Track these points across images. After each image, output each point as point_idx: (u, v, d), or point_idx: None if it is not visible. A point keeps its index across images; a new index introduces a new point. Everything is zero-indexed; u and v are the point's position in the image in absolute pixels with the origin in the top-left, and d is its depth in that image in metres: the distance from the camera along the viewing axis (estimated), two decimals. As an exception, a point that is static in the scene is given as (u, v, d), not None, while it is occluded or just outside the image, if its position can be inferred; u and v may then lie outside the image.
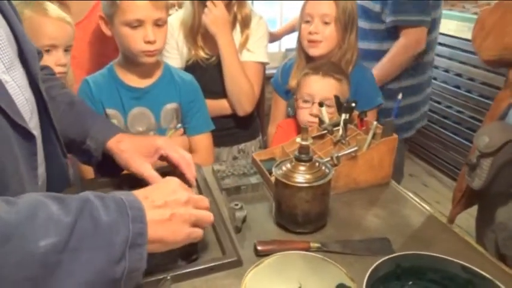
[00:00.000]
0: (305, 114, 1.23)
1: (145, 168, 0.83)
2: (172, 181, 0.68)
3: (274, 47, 2.69)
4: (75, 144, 0.89)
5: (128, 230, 0.55)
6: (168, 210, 0.61)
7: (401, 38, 1.61)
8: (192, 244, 0.68)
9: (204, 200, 0.69)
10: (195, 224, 0.65)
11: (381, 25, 1.65)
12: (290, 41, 2.70)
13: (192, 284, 0.69)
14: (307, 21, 1.34)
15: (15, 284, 0.47)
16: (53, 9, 1.17)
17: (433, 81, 2.79)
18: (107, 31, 1.16)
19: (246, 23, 1.41)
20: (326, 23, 1.31)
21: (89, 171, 1.19)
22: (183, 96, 1.25)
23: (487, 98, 2.44)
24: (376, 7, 1.64)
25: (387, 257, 0.57)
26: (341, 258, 0.73)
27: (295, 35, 2.17)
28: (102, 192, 0.60)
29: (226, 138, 1.54)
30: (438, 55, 2.73)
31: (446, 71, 2.72)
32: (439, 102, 2.81)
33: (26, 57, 0.71)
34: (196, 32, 1.39)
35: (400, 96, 0.96)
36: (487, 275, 0.55)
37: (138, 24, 1.08)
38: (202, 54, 1.41)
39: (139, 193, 0.62)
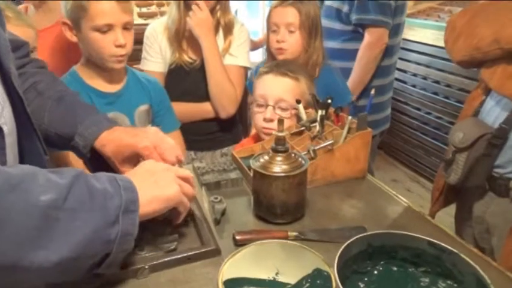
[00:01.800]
0: (259, 120, 1.17)
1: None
2: (149, 161, 0.73)
3: (257, 55, 2.74)
4: (64, 141, 0.86)
5: (120, 196, 0.59)
6: (152, 176, 0.67)
7: (365, 37, 1.73)
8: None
9: (185, 170, 0.74)
10: (181, 180, 0.70)
11: (350, 26, 1.77)
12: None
13: (171, 273, 0.69)
14: (274, 31, 1.41)
15: (22, 230, 0.50)
16: (16, 14, 1.16)
17: (413, 88, 2.88)
18: (71, 37, 1.14)
19: (228, 29, 1.44)
20: (291, 32, 1.38)
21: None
22: (153, 97, 1.27)
23: (464, 104, 2.52)
24: (345, 8, 1.76)
25: (358, 236, 0.58)
26: (318, 245, 0.74)
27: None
28: None
29: (209, 142, 1.55)
30: (416, 63, 2.82)
31: (425, 78, 2.79)
32: (418, 109, 2.88)
33: None
34: (181, 35, 1.41)
35: (373, 91, 0.99)
36: (454, 250, 0.57)
37: (107, 28, 1.08)
38: (186, 58, 1.43)
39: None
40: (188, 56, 1.44)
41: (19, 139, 0.74)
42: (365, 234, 0.61)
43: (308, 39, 1.39)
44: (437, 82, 2.71)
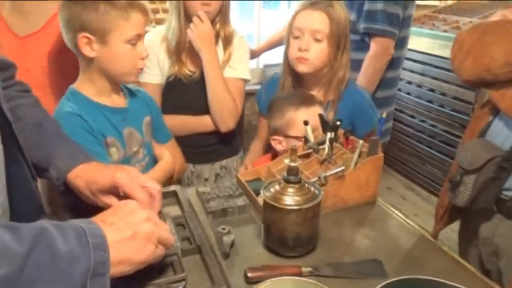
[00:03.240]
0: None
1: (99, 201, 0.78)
2: (130, 203, 0.66)
3: (252, 63, 2.69)
4: (39, 170, 0.82)
5: (89, 259, 0.52)
6: (130, 229, 0.59)
7: (371, 46, 1.72)
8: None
9: (164, 224, 0.68)
10: (158, 242, 0.63)
11: (357, 35, 1.76)
12: (268, 57, 2.72)
13: (181, 317, 0.65)
14: (297, 37, 1.26)
15: None
16: None
17: (407, 96, 2.88)
18: (90, 52, 1.03)
19: (228, 41, 1.41)
20: (317, 40, 1.23)
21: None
22: (152, 108, 1.24)
23: (459, 112, 2.52)
24: (353, 16, 1.76)
25: (384, 284, 0.55)
26: (334, 282, 0.72)
27: (272, 51, 2.21)
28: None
29: (208, 155, 1.52)
30: (411, 71, 2.82)
31: (419, 86, 2.79)
32: (413, 117, 2.88)
33: None
34: (181, 48, 1.37)
35: (384, 115, 0.97)
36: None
37: (136, 40, 1.03)
38: (185, 70, 1.39)
39: (97, 218, 0.60)
40: (187, 69, 1.40)
41: (6, 164, 0.70)
42: (391, 280, 0.58)
43: (335, 52, 1.25)
44: (432, 90, 2.71)
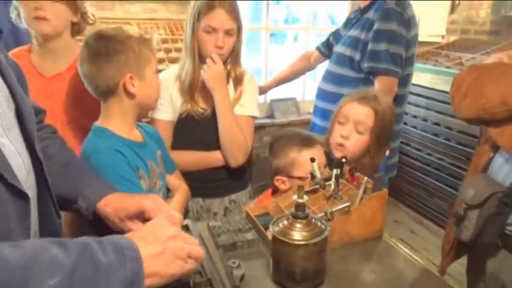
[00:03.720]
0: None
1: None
2: (160, 219, 0.72)
3: (260, 98, 2.77)
4: (67, 203, 0.89)
5: (126, 270, 0.58)
6: (160, 245, 0.64)
7: (376, 84, 1.77)
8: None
9: (193, 238, 0.72)
10: (187, 257, 0.67)
11: (361, 73, 1.82)
12: (275, 92, 2.81)
13: None
14: (341, 123, 1.32)
15: None
16: None
17: (413, 129, 2.93)
18: (132, 89, 1.11)
19: (239, 80, 1.48)
20: (359, 132, 1.28)
21: None
22: (160, 142, 1.30)
23: (465, 146, 2.55)
24: (357, 56, 1.82)
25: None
26: (341, 316, 0.74)
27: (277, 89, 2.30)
28: None
29: (218, 189, 1.55)
30: (416, 105, 2.88)
31: (425, 120, 2.84)
32: (419, 150, 2.91)
33: (24, 118, 0.72)
34: (194, 87, 1.44)
35: (387, 152, 1.01)
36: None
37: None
38: (197, 108, 1.45)
39: (130, 235, 0.66)
40: (199, 106, 1.46)
41: (37, 203, 0.75)
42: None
43: (375, 146, 1.28)
44: (437, 124, 2.76)
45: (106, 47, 1.06)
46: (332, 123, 1.37)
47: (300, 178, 1.20)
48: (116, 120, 1.14)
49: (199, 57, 1.42)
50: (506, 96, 0.92)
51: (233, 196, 1.58)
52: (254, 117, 1.53)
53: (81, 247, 0.57)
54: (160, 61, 2.10)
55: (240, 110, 1.47)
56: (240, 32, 1.42)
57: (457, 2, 3.22)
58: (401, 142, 2.97)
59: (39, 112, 0.92)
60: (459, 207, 1.04)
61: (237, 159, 1.46)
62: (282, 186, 1.27)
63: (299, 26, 3.64)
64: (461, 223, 1.03)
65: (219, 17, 1.34)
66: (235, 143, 1.44)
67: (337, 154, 1.27)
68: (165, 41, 2.24)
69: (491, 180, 1.03)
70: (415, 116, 2.92)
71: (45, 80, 1.37)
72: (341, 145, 1.28)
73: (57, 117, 1.37)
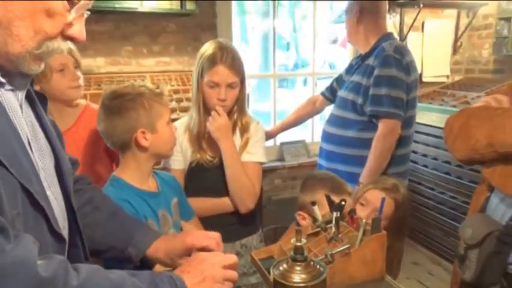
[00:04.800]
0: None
1: None
2: (200, 254, 0.87)
3: (269, 142, 2.86)
4: (116, 251, 0.99)
5: None
6: (202, 275, 0.80)
7: (379, 127, 1.83)
8: None
9: (231, 257, 0.87)
10: (224, 280, 0.82)
11: (364, 116, 1.88)
12: (285, 135, 2.89)
13: None
14: (362, 204, 1.37)
15: None
16: None
17: (424, 168, 2.93)
18: (145, 143, 1.20)
19: (245, 128, 1.55)
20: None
21: None
22: (177, 190, 1.37)
23: (477, 184, 2.51)
24: (360, 100, 1.89)
25: None
26: None
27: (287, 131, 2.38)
28: None
29: (228, 234, 1.55)
30: (425, 144, 2.90)
31: (435, 159, 2.85)
32: (432, 189, 2.90)
33: (63, 173, 0.82)
34: (201, 137, 1.52)
35: (383, 195, 1.05)
36: None
37: (170, 118, 1.28)
38: (206, 156, 1.52)
39: (178, 270, 0.82)
40: (208, 155, 1.53)
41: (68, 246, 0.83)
42: None
43: (395, 235, 1.27)
44: (448, 162, 2.76)
45: (118, 106, 1.17)
46: (353, 202, 1.38)
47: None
48: (131, 171, 1.23)
49: (205, 109, 1.50)
50: (491, 137, 0.97)
51: (244, 241, 1.60)
52: (261, 163, 1.59)
53: (149, 279, 0.73)
54: (172, 110, 2.22)
55: (248, 157, 1.53)
56: (243, 84, 1.50)
57: (459, 43, 3.32)
58: (413, 181, 2.98)
59: (73, 163, 1.01)
60: (460, 247, 1.06)
61: (246, 205, 1.51)
62: (303, 222, 1.31)
63: (305, 71, 3.78)
64: (463, 263, 1.04)
65: (220, 73, 1.42)
66: (243, 190, 1.49)
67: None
68: (176, 92, 2.37)
69: (488, 219, 1.05)
70: (425, 155, 2.93)
71: None
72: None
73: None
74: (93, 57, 2.41)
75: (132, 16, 2.36)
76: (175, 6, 2.27)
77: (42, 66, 0.70)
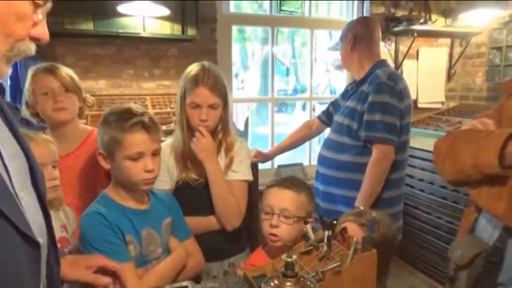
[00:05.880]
0: (266, 226, 1.32)
1: None
2: None
3: (267, 164, 2.89)
4: None
5: None
6: None
7: (373, 152, 1.87)
8: None
9: None
10: None
11: (359, 141, 1.93)
12: (282, 158, 2.92)
13: None
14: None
15: None
16: (37, 134, 1.34)
17: (421, 193, 2.95)
18: (105, 165, 1.26)
19: (229, 148, 1.58)
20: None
21: None
22: (173, 210, 1.37)
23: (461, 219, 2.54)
24: (355, 125, 1.94)
25: None
26: None
27: (285, 154, 2.42)
28: None
29: (216, 253, 1.58)
30: (422, 169, 2.93)
31: (431, 183, 2.87)
32: (429, 213, 2.90)
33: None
34: (186, 157, 1.54)
35: (374, 214, 1.07)
36: None
37: (138, 156, 1.22)
38: (192, 176, 1.54)
39: None
40: (193, 174, 1.55)
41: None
42: None
43: (382, 266, 1.13)
44: (444, 187, 2.78)
45: (102, 119, 1.25)
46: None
47: (267, 214, 1.33)
48: (116, 188, 1.27)
49: (189, 130, 1.52)
50: (476, 159, 1.00)
51: (232, 259, 1.61)
52: (247, 181, 1.60)
53: None
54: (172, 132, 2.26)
55: (233, 176, 1.55)
56: (226, 105, 1.53)
57: (453, 70, 3.41)
58: (410, 205, 2.99)
59: None
60: (449, 268, 1.07)
61: (231, 223, 1.52)
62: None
63: (303, 96, 3.85)
64: (453, 284, 1.05)
65: (201, 94, 1.46)
66: (229, 209, 1.51)
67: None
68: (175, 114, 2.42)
69: (476, 240, 1.07)
70: (421, 180, 2.95)
71: (60, 158, 1.52)
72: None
73: (71, 190, 1.54)
74: (95, 79, 2.48)
75: (134, 41, 2.45)
76: (177, 31, 2.36)
77: (10, 69, 0.71)
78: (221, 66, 2.74)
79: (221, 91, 1.50)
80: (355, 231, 1.24)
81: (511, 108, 1.11)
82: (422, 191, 2.95)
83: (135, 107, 1.28)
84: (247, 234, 1.73)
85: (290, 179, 1.39)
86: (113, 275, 1.12)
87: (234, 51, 2.84)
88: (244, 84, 7.91)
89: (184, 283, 1.07)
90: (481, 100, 3.32)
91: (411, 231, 2.98)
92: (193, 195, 1.51)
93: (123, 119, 1.21)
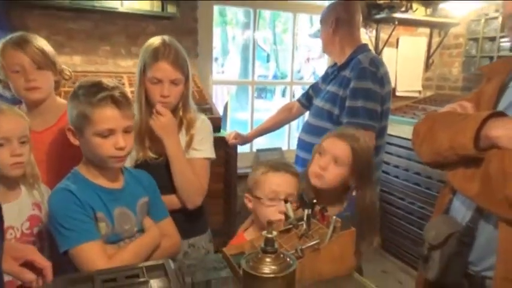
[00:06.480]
0: (274, 213, 1.26)
1: None
2: None
3: (246, 148, 2.88)
4: None
5: None
6: None
7: None
8: None
9: None
10: None
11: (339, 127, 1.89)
12: (261, 143, 2.91)
13: None
14: (320, 153, 1.40)
15: None
16: (8, 107, 1.27)
17: (396, 179, 3.01)
18: (74, 141, 1.21)
19: (190, 125, 1.53)
20: (337, 164, 1.35)
21: None
22: (149, 189, 1.34)
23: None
24: (336, 110, 1.92)
25: None
26: None
27: (264, 137, 2.40)
28: None
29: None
30: (397, 156, 2.99)
31: (406, 170, 2.94)
32: (402, 199, 2.98)
33: None
34: (143, 135, 1.49)
35: (354, 192, 1.08)
36: None
37: (109, 133, 1.16)
38: (150, 154, 1.49)
39: None
40: (152, 153, 1.50)
41: None
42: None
43: (360, 182, 1.35)
44: (418, 174, 2.85)
45: (71, 92, 1.19)
46: (313, 155, 1.46)
47: (259, 199, 1.31)
48: (87, 166, 1.23)
49: (147, 106, 1.47)
50: (453, 141, 1.01)
51: (192, 240, 1.58)
52: (209, 159, 1.56)
53: None
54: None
55: (194, 154, 1.51)
56: (187, 81, 1.48)
57: (431, 60, 3.46)
58: (385, 191, 3.06)
59: None
60: (424, 247, 1.10)
61: (192, 201, 1.49)
62: (249, 205, 1.35)
63: (284, 81, 3.84)
64: (427, 263, 1.08)
65: (163, 69, 1.40)
66: (190, 186, 1.47)
67: (315, 183, 1.36)
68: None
69: (450, 220, 1.10)
70: (396, 166, 3.02)
71: (37, 134, 1.45)
72: (319, 175, 1.36)
73: (49, 167, 1.47)
74: (69, 55, 2.38)
75: (111, 16, 2.36)
76: (156, 8, 2.28)
77: None
78: (202, 47, 2.69)
79: (183, 66, 1.45)
80: (334, 143, 1.37)
81: (490, 91, 1.13)
82: (397, 177, 3.02)
83: (107, 81, 1.21)
84: (225, 216, 1.72)
85: (282, 164, 1.40)
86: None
87: (215, 35, 2.79)
88: (224, 69, 7.82)
89: (161, 261, 1.05)
90: (456, 90, 3.39)
91: (385, 217, 3.05)
92: (153, 175, 1.44)
93: (92, 92, 1.15)
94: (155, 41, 1.45)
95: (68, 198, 1.14)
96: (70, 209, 1.13)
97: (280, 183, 1.31)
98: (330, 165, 1.35)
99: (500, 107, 1.08)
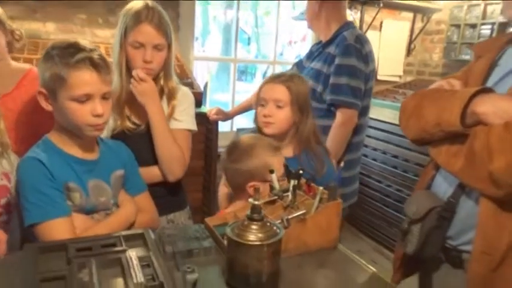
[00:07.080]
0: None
1: None
2: None
3: (226, 127, 2.83)
4: None
5: None
6: None
7: (337, 116, 1.86)
8: None
9: None
10: None
11: (323, 104, 1.89)
12: (242, 122, 2.87)
13: None
14: (262, 105, 1.47)
15: None
16: None
17: (373, 161, 3.04)
18: (47, 106, 1.12)
19: (172, 95, 1.46)
20: (279, 107, 1.44)
21: None
22: (126, 162, 1.27)
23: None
24: (319, 87, 1.90)
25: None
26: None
27: (245, 115, 2.36)
28: None
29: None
30: (376, 138, 3.01)
31: (384, 152, 2.97)
32: (379, 182, 3.01)
33: None
34: (123, 103, 1.41)
35: (341, 164, 1.06)
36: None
37: (86, 98, 1.08)
38: (129, 124, 1.42)
39: None
40: (131, 122, 1.43)
41: None
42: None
43: (300, 116, 1.46)
44: (395, 157, 2.89)
45: (43, 54, 1.09)
46: (255, 107, 1.53)
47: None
48: (59, 134, 1.14)
49: (128, 72, 1.39)
50: (439, 117, 1.01)
51: (171, 216, 1.54)
52: (190, 131, 1.51)
53: None
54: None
55: (175, 124, 1.45)
56: (170, 48, 1.41)
57: (413, 45, 3.48)
58: (363, 174, 3.09)
59: None
60: (404, 221, 1.10)
61: (174, 173, 1.43)
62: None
63: (266, 60, 3.79)
64: (406, 237, 1.08)
65: (146, 32, 1.32)
66: (173, 157, 1.41)
67: (267, 132, 1.44)
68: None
69: (432, 195, 1.10)
70: (375, 149, 3.04)
71: None
72: (267, 123, 1.45)
73: (12, 136, 1.36)
74: (42, 21, 2.25)
75: (89, -19, 2.23)
76: (137, -25, 2.17)
77: None
78: (183, 20, 2.59)
79: (167, 31, 1.37)
80: (271, 88, 1.46)
81: (478, 69, 1.12)
82: (375, 160, 3.05)
83: (83, 42, 1.12)
84: (204, 193, 1.67)
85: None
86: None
87: (196, 15, 2.69)
88: (205, 48, 7.67)
89: (140, 230, 1.00)
90: (436, 76, 3.43)
91: (361, 198, 3.08)
92: (132, 145, 1.37)
93: (68, 53, 1.06)
94: (137, 3, 1.36)
95: (37, 168, 1.06)
96: (38, 181, 1.05)
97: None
98: (274, 110, 1.44)
99: (489, 84, 1.08)
